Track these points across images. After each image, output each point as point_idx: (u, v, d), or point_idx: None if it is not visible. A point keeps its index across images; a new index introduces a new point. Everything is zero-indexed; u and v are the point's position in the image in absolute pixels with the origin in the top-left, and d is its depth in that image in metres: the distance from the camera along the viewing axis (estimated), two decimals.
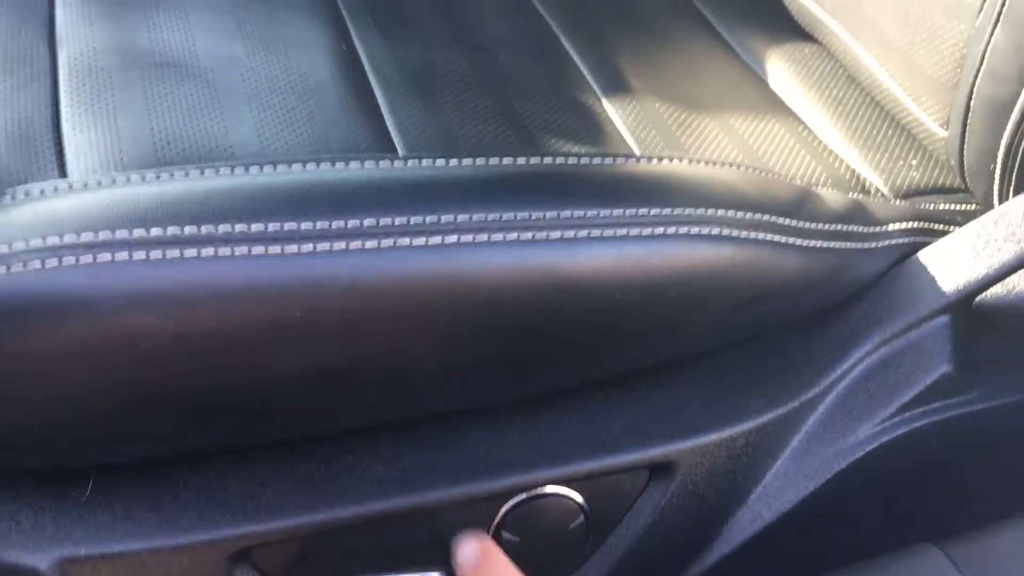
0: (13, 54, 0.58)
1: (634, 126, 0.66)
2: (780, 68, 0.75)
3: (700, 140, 0.66)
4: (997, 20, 0.52)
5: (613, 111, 0.67)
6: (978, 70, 0.54)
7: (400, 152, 0.57)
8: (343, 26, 0.68)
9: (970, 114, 0.56)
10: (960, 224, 0.59)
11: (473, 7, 0.75)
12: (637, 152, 0.63)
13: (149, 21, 0.63)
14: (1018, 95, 0.51)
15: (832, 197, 0.55)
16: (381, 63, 0.64)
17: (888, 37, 0.66)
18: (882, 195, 0.63)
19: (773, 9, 0.79)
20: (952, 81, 0.60)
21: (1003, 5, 0.51)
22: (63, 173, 0.51)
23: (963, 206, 0.63)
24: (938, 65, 0.61)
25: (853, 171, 0.65)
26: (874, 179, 0.64)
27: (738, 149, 0.65)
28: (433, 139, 0.58)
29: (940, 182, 0.65)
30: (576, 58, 0.72)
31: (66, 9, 0.63)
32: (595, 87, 0.69)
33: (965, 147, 0.58)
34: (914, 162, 0.67)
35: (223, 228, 0.40)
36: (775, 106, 0.71)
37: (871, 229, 0.54)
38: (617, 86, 0.69)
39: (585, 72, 0.70)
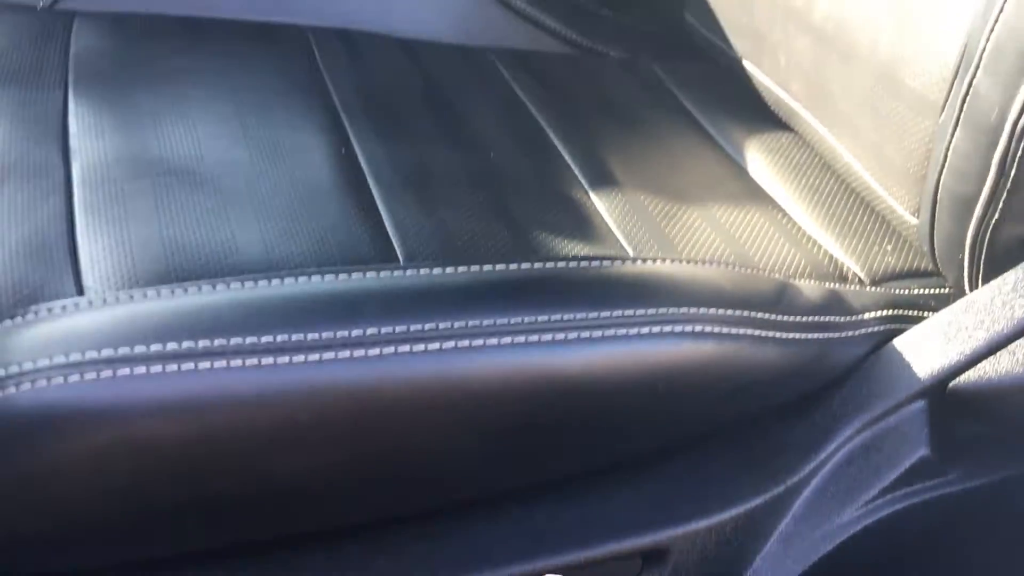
0: (30, 168, 0.61)
1: (621, 219, 0.69)
2: (759, 158, 0.78)
3: (685, 232, 0.69)
4: (957, 121, 0.55)
5: (601, 205, 0.70)
6: (942, 166, 0.57)
7: (398, 252, 0.59)
8: (342, 128, 0.72)
9: (937, 206, 0.59)
10: (934, 309, 0.62)
11: (466, 106, 0.78)
12: (624, 245, 0.66)
13: (158, 130, 0.66)
14: (980, 192, 0.54)
15: (809, 289, 0.58)
16: (378, 165, 0.68)
17: (860, 130, 0.70)
18: (859, 280, 0.66)
19: (751, 100, 0.83)
20: (921, 173, 0.63)
21: (962, 107, 0.54)
22: (79, 283, 0.54)
23: (937, 290, 0.66)
24: (907, 158, 0.64)
25: (831, 257, 0.68)
26: (851, 265, 0.67)
27: (721, 239, 0.68)
28: (430, 239, 0.61)
29: (915, 266, 0.68)
30: (564, 153, 0.75)
31: (79, 121, 0.66)
32: (583, 182, 0.72)
33: (935, 236, 0.61)
34: (889, 247, 0.70)
35: (234, 340, 0.42)
36: (755, 195, 0.74)
37: (848, 319, 0.57)
38: (604, 180, 0.72)
39: (573, 167, 0.74)
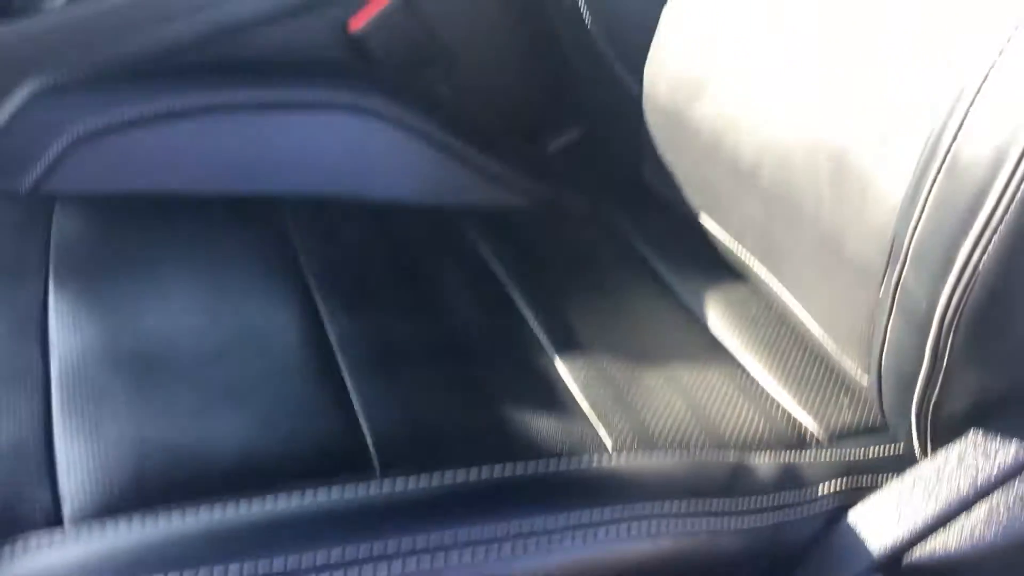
0: (8, 369, 0.63)
1: (585, 387, 0.71)
2: (718, 312, 0.81)
3: (647, 396, 0.71)
4: (891, 305, 0.58)
5: (566, 372, 0.72)
6: (883, 343, 0.60)
7: (369, 443, 0.61)
8: (314, 307, 0.74)
9: (882, 377, 0.62)
10: (890, 470, 0.64)
11: (436, 275, 0.81)
12: (589, 416, 0.68)
13: (135, 320, 0.69)
14: (918, 373, 0.57)
15: (765, 465, 0.60)
16: (349, 345, 0.70)
17: (809, 289, 0.73)
18: (816, 440, 0.68)
19: (710, 253, 0.86)
20: (868, 336, 0.66)
21: (894, 294, 0.57)
22: (55, 492, 0.55)
23: (893, 447, 0.68)
24: (853, 321, 0.67)
25: (789, 417, 0.70)
26: (809, 423, 0.70)
27: (682, 402, 0.71)
28: (400, 428, 0.63)
29: (870, 422, 0.70)
30: (531, 318, 0.78)
31: (58, 315, 0.69)
32: (549, 348, 0.75)
33: (883, 402, 0.64)
34: (845, 402, 0.72)
35: (203, 572, 0.44)
36: (715, 352, 0.77)
37: (804, 495, 0.59)
38: (569, 345, 0.75)
39: (539, 333, 0.76)
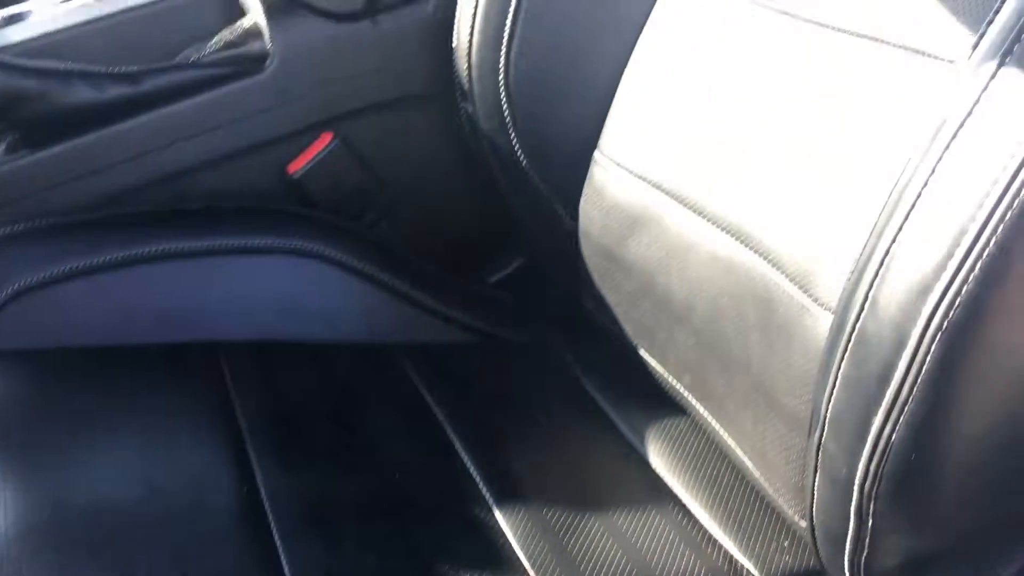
0: None
1: (524, 539, 0.71)
2: (659, 447, 0.81)
3: (586, 544, 0.71)
4: (816, 465, 0.58)
5: (505, 523, 0.72)
6: (812, 500, 0.60)
7: None
8: (247, 461, 0.73)
9: (815, 530, 0.62)
10: None
11: (373, 420, 0.81)
12: (528, 570, 0.67)
13: (64, 494, 0.67)
14: (846, 533, 0.57)
15: None
16: (281, 500, 0.69)
17: (745, 431, 0.73)
18: None
19: (651, 385, 0.87)
20: (800, 487, 0.66)
21: (817, 454, 0.58)
22: None
23: None
24: (787, 467, 0.67)
25: (730, 561, 0.70)
26: (750, 567, 0.70)
27: (623, 551, 0.70)
28: None
29: (811, 565, 0.70)
30: (470, 463, 0.78)
31: None
32: (488, 497, 0.74)
33: (819, 551, 0.64)
34: (786, 544, 0.72)
35: None
36: (656, 492, 0.77)
37: None
38: (508, 493, 0.75)
39: (478, 480, 0.76)
